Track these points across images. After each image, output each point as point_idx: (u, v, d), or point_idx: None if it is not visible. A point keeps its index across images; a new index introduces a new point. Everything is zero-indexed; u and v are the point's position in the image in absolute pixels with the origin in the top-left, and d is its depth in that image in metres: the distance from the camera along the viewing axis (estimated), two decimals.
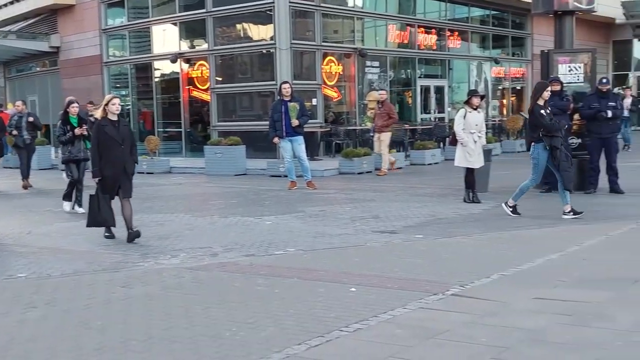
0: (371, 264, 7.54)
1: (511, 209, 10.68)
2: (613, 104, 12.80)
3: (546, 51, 14.04)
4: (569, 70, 13.49)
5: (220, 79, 23.42)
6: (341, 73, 23.59)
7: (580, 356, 4.56)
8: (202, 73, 23.94)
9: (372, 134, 18.72)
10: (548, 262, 7.47)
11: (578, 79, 13.53)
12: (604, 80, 13.14)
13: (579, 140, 13.35)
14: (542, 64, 14.03)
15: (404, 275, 6.97)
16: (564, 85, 13.13)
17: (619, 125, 13.61)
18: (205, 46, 23.65)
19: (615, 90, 35.21)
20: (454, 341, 4.92)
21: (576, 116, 13.23)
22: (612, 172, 12.91)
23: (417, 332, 5.12)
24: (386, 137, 17.95)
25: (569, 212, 10.25)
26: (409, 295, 6.15)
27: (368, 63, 24.29)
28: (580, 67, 13.50)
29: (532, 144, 10.49)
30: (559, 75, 13.26)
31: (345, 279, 6.82)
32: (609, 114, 12.64)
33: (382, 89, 20.61)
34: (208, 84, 23.55)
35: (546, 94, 10.47)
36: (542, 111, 10.29)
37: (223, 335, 5.15)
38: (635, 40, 38.08)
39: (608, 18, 35.06)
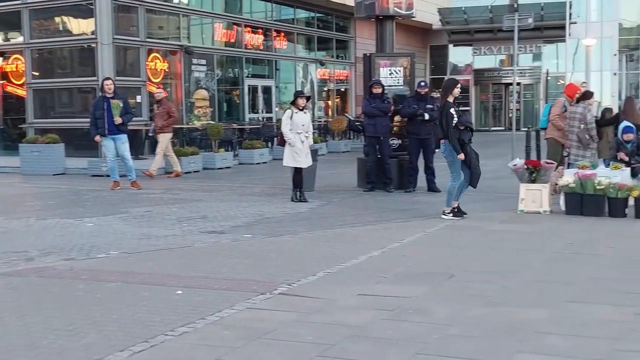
0: (199, 266, 7.44)
1: (451, 215, 10.29)
2: (431, 106, 13.42)
3: (368, 54, 14.50)
4: (390, 74, 14.00)
5: (37, 73, 22.28)
6: (167, 70, 23.16)
7: (401, 350, 4.72)
8: (17, 67, 22.70)
9: (151, 134, 18.01)
10: (371, 259, 7.71)
11: (398, 82, 14.07)
12: (422, 84, 13.76)
13: (400, 141, 13.90)
14: (365, 67, 14.48)
15: (232, 276, 6.93)
16: (386, 88, 13.61)
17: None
18: (20, 39, 22.42)
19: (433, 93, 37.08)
20: (281, 340, 4.94)
21: (397, 118, 13.76)
22: (430, 172, 13.55)
23: (244, 333, 5.10)
24: (165, 137, 16.98)
25: (449, 213, 10.31)
26: (237, 295, 6.12)
27: (195, 61, 24.02)
28: (400, 71, 14.05)
29: (442, 141, 10.23)
30: (381, 79, 13.73)
31: (171, 282, 6.68)
32: (427, 116, 13.24)
33: (160, 89, 18.62)
34: (24, 79, 22.35)
35: (456, 91, 10.31)
36: (452, 110, 10.09)
37: (39, 344, 4.87)
38: (450, 46, 40.25)
39: (426, 24, 36.81)
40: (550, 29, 36.17)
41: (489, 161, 19.97)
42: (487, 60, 39.94)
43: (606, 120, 12.82)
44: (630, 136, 11.49)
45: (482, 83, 39.99)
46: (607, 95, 35.04)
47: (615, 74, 38.07)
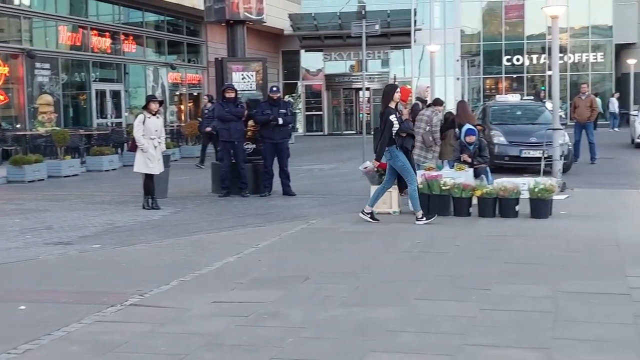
0: (44, 279, 7.10)
1: (425, 219, 9.91)
2: (284, 111, 13.51)
3: (220, 59, 14.40)
4: (242, 78, 13.97)
5: None
6: (7, 75, 22.00)
7: (255, 356, 4.70)
8: None
9: None
10: (226, 265, 7.64)
11: (251, 87, 14.06)
12: (274, 89, 13.82)
13: (254, 146, 13.89)
14: (217, 72, 14.36)
15: (81, 289, 6.66)
16: (239, 92, 13.57)
17: (290, 131, 14.40)
18: None
19: (286, 98, 37.37)
20: (133, 353, 4.79)
21: (250, 122, 13.75)
22: (285, 176, 13.62)
23: (93, 347, 4.90)
24: None
25: (368, 214, 10.17)
26: (86, 309, 5.88)
27: (38, 65, 22.95)
28: (252, 75, 14.05)
29: (386, 148, 9.94)
30: (233, 83, 13.67)
31: (14, 297, 6.32)
32: (280, 120, 13.31)
33: None
34: None
35: (397, 96, 10.06)
36: (393, 116, 9.88)
37: None
38: (302, 51, 40.74)
39: (277, 29, 37.07)
40: (396, 35, 37.39)
41: (342, 164, 20.41)
42: (337, 66, 40.73)
43: (449, 124, 13.37)
44: (472, 138, 12.03)
45: (333, 88, 40.73)
46: (451, 99, 36.62)
47: (458, 78, 39.87)
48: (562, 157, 14.02)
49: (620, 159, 20.21)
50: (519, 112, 19.13)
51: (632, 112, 28.01)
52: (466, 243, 8.62)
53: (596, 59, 42.12)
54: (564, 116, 23.33)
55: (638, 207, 11.17)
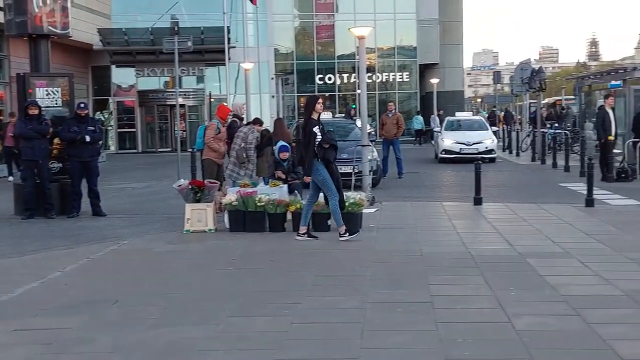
0: None
1: (348, 234, 9.74)
2: (92, 128, 13.03)
3: (22, 74, 13.67)
4: (47, 94, 13.32)
5: None
6: None
7: None
8: None
9: None
10: (29, 291, 7.22)
11: (56, 103, 13.44)
12: (82, 105, 13.30)
13: (60, 165, 13.28)
14: (19, 87, 13.62)
15: None
16: (43, 109, 12.93)
17: (99, 149, 13.89)
18: None
19: (97, 115, 36.08)
20: None
21: (56, 140, 13.13)
22: (94, 195, 13.12)
23: None
24: None
25: (304, 234, 9.92)
26: None
27: None
28: (58, 91, 13.42)
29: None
30: (37, 99, 13.01)
31: None
32: (88, 138, 12.83)
33: None
34: None
35: (319, 107, 9.85)
36: (315, 128, 9.65)
37: None
38: (113, 67, 39.59)
39: (86, 44, 35.78)
40: (211, 52, 37.30)
41: (156, 182, 20.00)
42: (151, 82, 39.95)
43: (265, 141, 13.48)
44: (286, 155, 12.21)
45: (147, 104, 39.87)
46: (267, 116, 37.02)
47: (273, 96, 40.40)
48: (372, 172, 14.57)
49: (425, 173, 21.33)
50: (330, 129, 19.61)
51: (436, 129, 29.70)
52: (280, 258, 8.71)
53: (402, 78, 44.29)
54: (373, 133, 24.25)
55: (441, 218, 11.81)
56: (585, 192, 12.93)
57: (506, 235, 9.86)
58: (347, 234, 9.71)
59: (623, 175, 17.07)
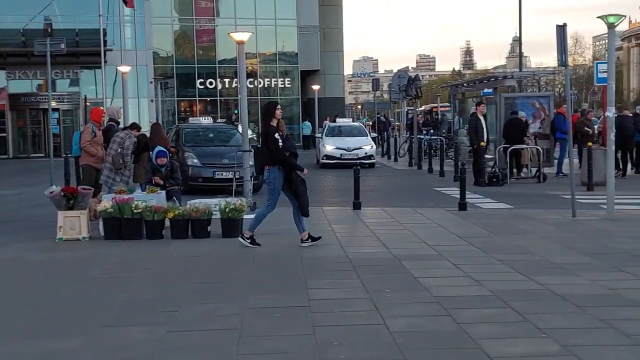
0: None
1: (249, 241, 9.66)
2: None
3: None
4: None
5: None
6: None
7: None
8: None
9: None
10: None
11: None
12: None
13: None
14: None
15: None
16: None
17: None
18: None
19: None
20: None
21: None
22: None
23: None
24: None
25: (307, 240, 9.71)
26: None
27: None
28: None
29: (266, 168, 9.58)
30: None
31: None
32: None
33: None
34: None
35: (278, 113, 9.68)
36: (276, 134, 9.49)
37: None
38: None
39: None
40: (86, 55, 36.25)
41: (29, 189, 19.21)
42: (23, 85, 38.40)
43: (142, 147, 13.21)
44: (163, 160, 12.00)
45: (19, 108, 38.27)
46: (145, 121, 36.28)
47: (152, 100, 39.65)
48: (253, 178, 14.56)
49: (307, 178, 21.37)
50: (211, 135, 19.52)
51: (317, 135, 30.00)
52: (158, 266, 8.55)
53: (284, 84, 44.50)
54: (255, 138, 24.25)
55: (321, 223, 11.92)
56: (458, 196, 13.39)
57: (383, 239, 10.07)
58: (249, 241, 9.66)
59: (494, 179, 17.78)
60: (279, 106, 9.87)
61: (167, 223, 10.55)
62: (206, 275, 7.97)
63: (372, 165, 24.99)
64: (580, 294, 6.73)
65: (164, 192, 11.36)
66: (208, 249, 9.58)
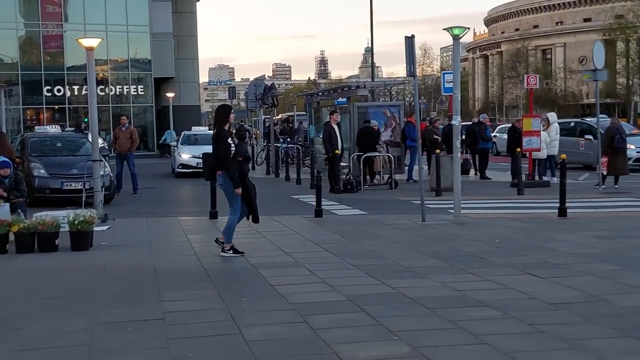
0: None
1: (231, 252, 9.39)
2: None
3: None
4: None
5: None
6: None
7: None
8: None
9: None
10: None
11: None
12: None
13: None
14: None
15: None
16: None
17: None
18: None
19: None
20: None
21: None
22: None
23: None
24: None
25: (228, 250, 9.40)
26: None
27: None
28: None
29: (219, 173, 9.32)
30: None
31: None
32: None
33: None
34: None
35: (232, 117, 9.52)
36: (229, 139, 9.26)
37: None
38: None
39: None
40: None
41: None
42: None
43: None
44: (7, 171, 11.40)
45: None
46: None
47: None
48: (104, 188, 14.10)
49: (162, 189, 21.08)
50: (59, 144, 18.74)
51: (172, 143, 29.51)
52: (1, 282, 8.10)
53: (137, 91, 43.48)
54: (107, 147, 23.51)
55: (176, 233, 11.72)
56: (314, 203, 13.55)
57: (241, 248, 10.01)
58: (231, 251, 9.42)
59: (349, 186, 18.15)
60: (232, 110, 9.81)
61: (12, 237, 10.03)
62: (54, 290, 7.62)
63: None
64: (430, 296, 6.97)
65: (7, 204, 10.79)
66: (55, 263, 9.17)
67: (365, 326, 6.00)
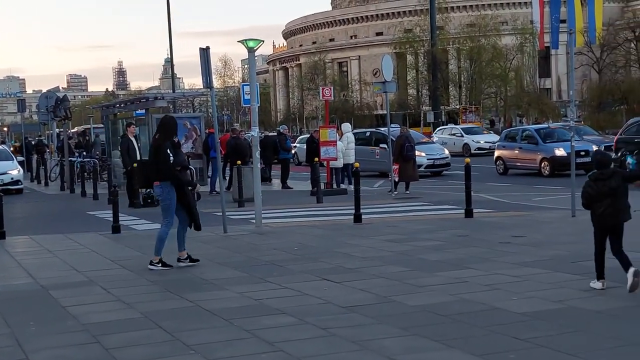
0: None
1: (160, 265, 9.14)
2: None
3: None
4: None
5: None
6: None
7: None
8: None
9: None
10: None
11: None
12: None
13: None
14: None
15: None
16: None
17: None
18: None
19: None
20: None
21: None
22: None
23: None
24: None
25: (185, 259, 9.30)
26: None
27: None
28: None
29: (156, 184, 9.18)
30: None
31: None
32: None
33: None
34: None
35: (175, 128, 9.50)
36: (168, 150, 9.11)
37: None
38: None
39: None
40: None
41: None
42: None
43: None
44: None
45: None
46: None
47: None
48: None
49: None
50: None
51: None
52: None
53: None
54: None
55: None
56: (112, 219, 13.12)
57: (29, 269, 9.50)
58: (160, 264, 9.17)
59: (149, 200, 17.75)
60: (176, 122, 9.76)
61: None
62: None
63: (19, 191, 23.48)
64: (228, 308, 6.97)
65: None
66: None
67: (161, 342, 5.89)
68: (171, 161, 9.17)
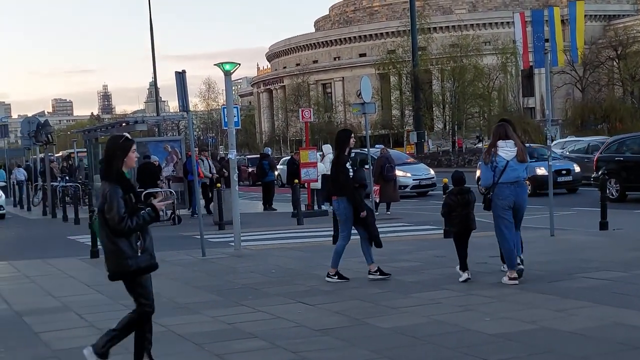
0: None
1: (336, 277, 9.30)
2: None
3: None
4: None
5: None
6: None
7: None
8: None
9: None
10: None
11: None
12: None
13: None
14: None
15: None
16: None
17: None
18: None
19: None
20: None
21: None
22: None
23: None
24: None
25: (375, 272, 9.33)
26: None
27: None
28: None
29: (335, 198, 9.25)
30: None
31: None
32: None
33: None
34: None
35: (352, 142, 9.37)
36: (348, 164, 9.19)
37: None
38: None
39: None
40: None
41: None
42: None
43: None
44: None
45: None
46: None
47: None
48: None
49: None
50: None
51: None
52: None
53: None
54: None
55: None
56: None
57: (5, 295, 9.47)
58: (336, 277, 9.32)
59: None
60: (352, 135, 9.60)
61: None
62: None
63: (1, 216, 23.41)
64: (200, 332, 6.96)
65: None
66: None
67: None
68: (350, 177, 9.21)
